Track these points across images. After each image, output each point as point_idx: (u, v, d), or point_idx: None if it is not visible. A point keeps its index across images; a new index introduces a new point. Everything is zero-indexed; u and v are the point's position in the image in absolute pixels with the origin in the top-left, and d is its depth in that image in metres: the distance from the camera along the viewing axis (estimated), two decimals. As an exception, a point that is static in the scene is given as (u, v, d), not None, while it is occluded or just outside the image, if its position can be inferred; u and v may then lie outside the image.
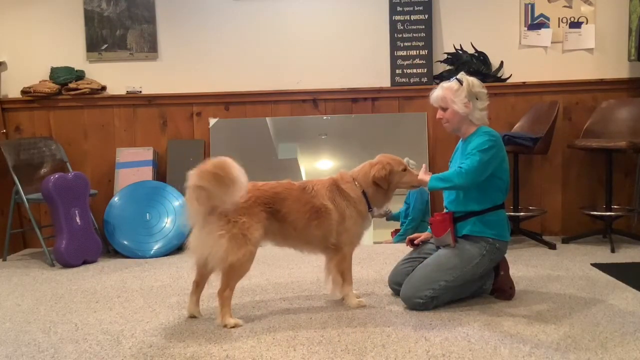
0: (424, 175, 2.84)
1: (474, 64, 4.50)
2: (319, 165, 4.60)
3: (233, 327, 2.57)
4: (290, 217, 2.72)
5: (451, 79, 2.90)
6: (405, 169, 2.89)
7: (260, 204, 2.66)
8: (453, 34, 4.57)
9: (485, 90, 2.88)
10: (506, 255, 2.92)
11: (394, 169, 2.86)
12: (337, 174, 2.92)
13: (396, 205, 4.44)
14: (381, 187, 2.84)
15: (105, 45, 4.67)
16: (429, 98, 2.97)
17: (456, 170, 2.75)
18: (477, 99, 2.83)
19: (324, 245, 2.85)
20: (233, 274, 2.59)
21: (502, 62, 4.54)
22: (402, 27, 4.57)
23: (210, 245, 2.53)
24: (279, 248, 2.89)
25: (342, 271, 2.83)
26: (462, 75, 2.89)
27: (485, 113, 2.88)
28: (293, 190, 2.79)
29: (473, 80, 2.86)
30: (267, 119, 4.62)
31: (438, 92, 2.89)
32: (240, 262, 2.56)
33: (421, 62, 4.56)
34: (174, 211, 4.33)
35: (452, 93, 2.84)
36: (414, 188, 3.00)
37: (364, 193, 2.85)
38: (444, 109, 2.88)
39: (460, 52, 4.55)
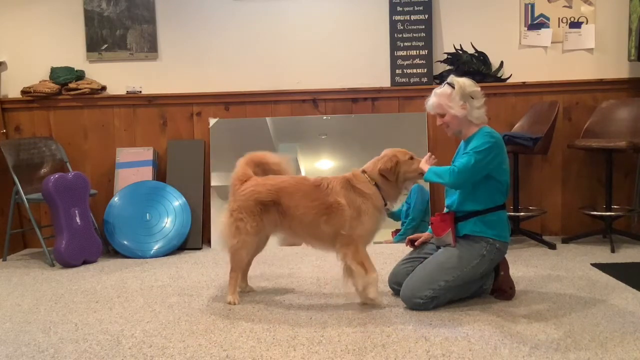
0: (424, 164, 2.86)
1: (474, 64, 4.50)
2: (319, 165, 4.60)
3: (229, 303, 2.92)
4: (297, 212, 2.85)
5: (442, 85, 2.90)
6: (412, 158, 2.90)
7: (256, 199, 2.88)
8: (453, 34, 4.57)
9: (478, 89, 2.87)
10: (506, 256, 2.92)
11: (400, 160, 2.87)
12: (349, 173, 2.93)
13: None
14: (389, 179, 2.85)
15: (105, 45, 4.67)
16: (425, 105, 2.97)
17: (450, 168, 2.77)
18: (472, 99, 2.84)
19: (335, 242, 2.87)
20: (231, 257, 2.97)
21: (502, 62, 4.54)
22: (402, 27, 4.57)
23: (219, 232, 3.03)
24: (279, 248, 2.92)
25: (360, 262, 2.80)
26: (452, 78, 2.89)
27: (483, 111, 2.87)
28: (304, 185, 2.90)
29: (464, 80, 2.86)
30: (267, 119, 4.62)
31: (433, 100, 2.90)
32: (234, 248, 2.91)
33: (421, 62, 4.56)
34: (174, 211, 4.34)
35: (446, 98, 2.84)
36: (422, 177, 2.93)
37: (377, 187, 2.86)
38: (442, 115, 2.89)
39: (460, 52, 4.55)
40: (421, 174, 2.89)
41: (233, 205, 2.92)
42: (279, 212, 2.89)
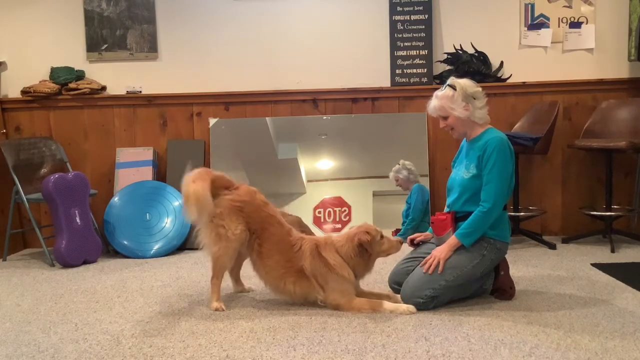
0: (449, 242, 2.78)
1: (474, 64, 4.50)
2: (319, 165, 4.60)
3: (216, 310, 2.83)
4: (265, 260, 2.85)
5: (443, 87, 2.89)
6: (382, 237, 2.84)
7: (237, 211, 2.85)
8: (453, 34, 4.57)
9: (479, 89, 2.87)
10: (506, 256, 2.92)
11: (375, 237, 2.81)
12: (323, 238, 2.93)
13: (399, 206, 4.45)
14: (366, 251, 2.78)
15: (105, 45, 4.67)
16: (427, 108, 2.94)
17: (479, 214, 2.74)
18: (474, 99, 2.83)
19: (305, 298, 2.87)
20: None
21: (502, 62, 4.54)
22: (402, 27, 4.57)
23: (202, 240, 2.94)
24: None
25: (364, 309, 2.75)
26: (452, 80, 2.87)
27: (485, 111, 2.87)
28: (284, 242, 2.85)
29: (465, 82, 2.85)
30: (267, 119, 4.62)
31: (435, 103, 2.88)
32: (216, 255, 2.87)
33: (421, 62, 4.56)
34: (174, 211, 4.33)
35: (449, 100, 2.82)
36: (392, 253, 2.90)
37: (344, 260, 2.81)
38: (445, 118, 2.88)
39: (460, 52, 4.55)
40: (389, 253, 2.87)
41: (215, 210, 2.84)
42: (255, 243, 2.87)
